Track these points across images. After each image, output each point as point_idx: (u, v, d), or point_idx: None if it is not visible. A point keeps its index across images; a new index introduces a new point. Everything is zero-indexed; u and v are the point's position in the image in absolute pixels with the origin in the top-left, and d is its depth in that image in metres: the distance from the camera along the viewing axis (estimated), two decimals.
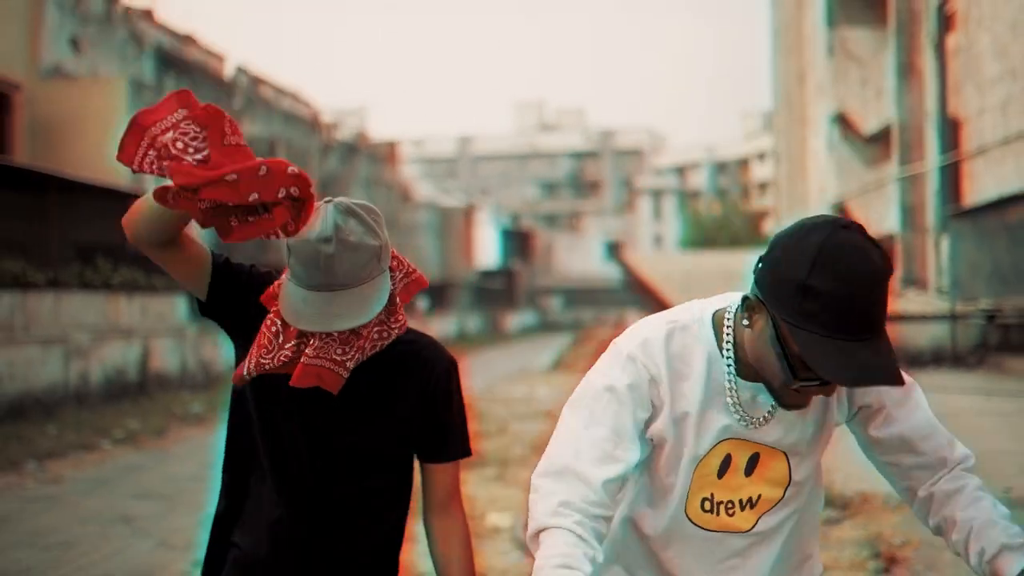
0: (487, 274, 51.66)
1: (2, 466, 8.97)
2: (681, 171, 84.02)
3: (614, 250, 68.09)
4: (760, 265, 1.61)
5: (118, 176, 17.02)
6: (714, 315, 1.74)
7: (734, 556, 1.80)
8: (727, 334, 1.72)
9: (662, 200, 76.71)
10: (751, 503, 1.78)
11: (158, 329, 15.58)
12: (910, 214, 24.25)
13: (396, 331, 1.87)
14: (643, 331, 1.76)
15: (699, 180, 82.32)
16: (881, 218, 26.35)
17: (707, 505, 1.78)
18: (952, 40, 21.71)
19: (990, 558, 1.69)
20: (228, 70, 28.21)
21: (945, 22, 22.23)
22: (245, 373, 1.81)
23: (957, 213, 19.69)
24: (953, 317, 18.76)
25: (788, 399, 1.66)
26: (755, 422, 1.72)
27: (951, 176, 21.94)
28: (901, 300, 21.56)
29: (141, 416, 12.26)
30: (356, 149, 34.40)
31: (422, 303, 36.14)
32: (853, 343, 1.48)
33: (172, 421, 12.23)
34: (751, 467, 1.77)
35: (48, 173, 14.75)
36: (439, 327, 36.61)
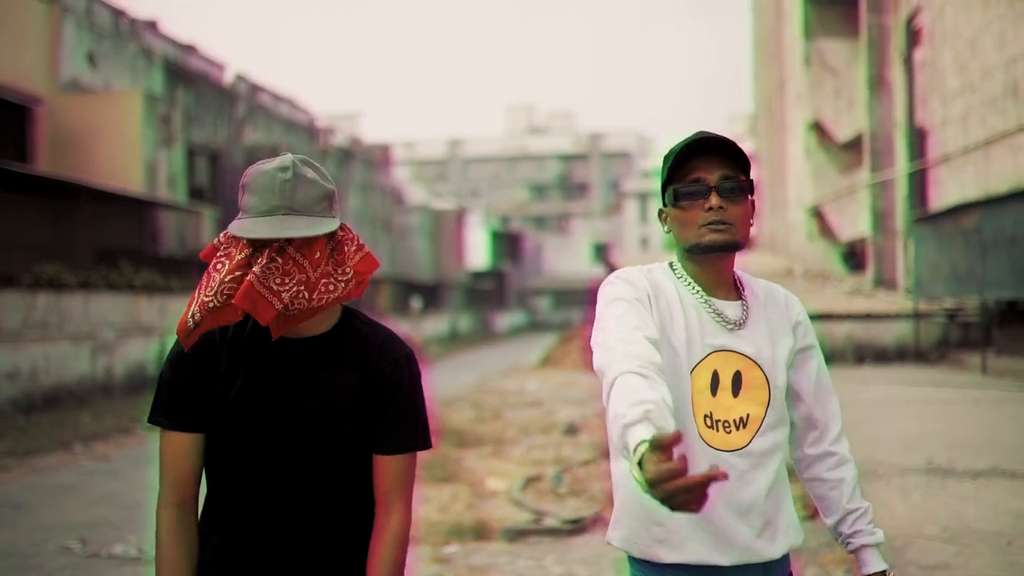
0: (478, 275, 52.65)
1: (54, 447, 10.11)
2: None
3: (601, 251, 69.29)
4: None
5: (134, 184, 18.15)
6: (669, 264, 2.10)
7: (737, 479, 1.95)
8: (677, 267, 2.07)
9: (648, 202, 77.96)
10: (743, 422, 1.98)
11: (175, 327, 16.71)
12: (881, 218, 25.44)
13: (343, 287, 1.86)
14: (624, 271, 2.06)
15: None
16: (854, 222, 27.58)
17: (708, 422, 1.97)
18: (919, 54, 22.91)
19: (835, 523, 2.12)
20: (228, 78, 29.25)
21: (913, 37, 23.44)
22: (189, 319, 1.84)
23: (919, 218, 20.92)
24: (916, 316, 20.00)
25: (705, 236, 1.97)
26: (733, 325, 2.00)
27: (918, 183, 23.15)
28: (871, 300, 22.80)
29: None
30: (351, 154, 35.43)
31: (416, 303, 37.18)
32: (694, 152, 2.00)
33: None
34: (737, 387, 1.98)
35: (76, 182, 15.84)
36: (432, 326, 37.66)
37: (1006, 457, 8.14)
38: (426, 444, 2.00)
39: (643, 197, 77.46)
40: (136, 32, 23.08)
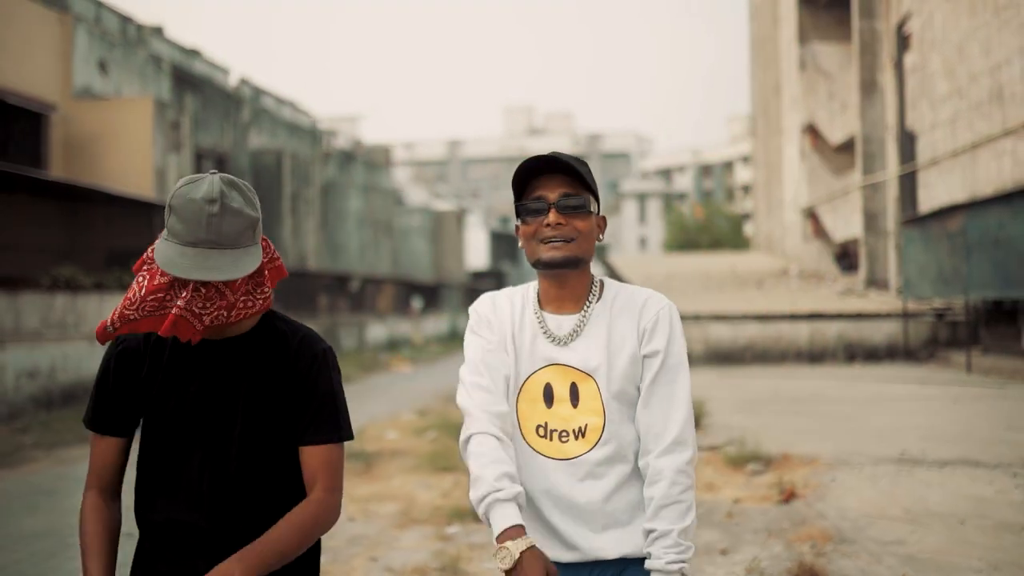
0: (478, 275, 53.19)
1: (76, 440, 10.64)
2: (667, 174, 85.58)
3: (600, 252, 69.64)
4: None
5: (145, 188, 18.68)
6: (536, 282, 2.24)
7: (569, 486, 2.08)
8: (533, 288, 2.22)
9: (647, 203, 78.47)
10: (582, 432, 2.08)
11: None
12: (873, 219, 25.95)
13: (260, 303, 1.98)
14: (480, 299, 2.26)
15: (685, 182, 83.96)
16: (847, 223, 28.10)
17: (541, 431, 2.09)
18: (909, 59, 23.42)
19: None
20: (232, 81, 29.77)
21: (903, 42, 23.94)
22: (109, 325, 1.92)
23: (907, 220, 21.44)
24: (905, 315, 20.52)
25: (543, 252, 2.09)
26: (562, 340, 2.11)
27: (909, 185, 23.65)
28: (863, 300, 23.31)
29: None
30: (353, 156, 35.95)
31: (416, 303, 37.71)
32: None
33: None
34: (575, 398, 2.08)
35: (89, 187, 16.37)
36: (432, 326, 38.18)
37: (974, 448, 8.67)
38: (347, 435, 2.06)
39: (642, 197, 77.95)
40: (143, 38, 23.61)
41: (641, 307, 2.12)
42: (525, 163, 2.09)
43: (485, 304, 2.20)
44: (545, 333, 2.11)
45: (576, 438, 2.06)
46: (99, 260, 17.22)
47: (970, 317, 19.01)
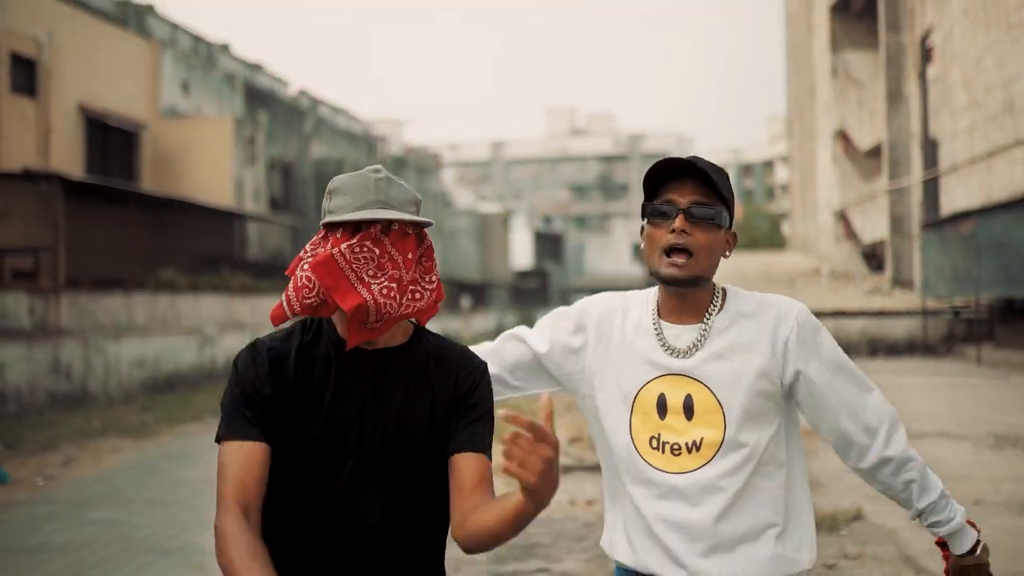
0: (523, 275, 54.81)
1: (188, 419, 12.55)
2: None
3: (640, 251, 70.78)
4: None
5: (225, 198, 20.68)
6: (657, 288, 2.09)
7: (683, 501, 1.94)
8: (653, 296, 2.08)
9: None
10: (696, 446, 1.95)
11: (263, 323, 19.24)
12: (898, 223, 27.28)
13: (429, 294, 1.82)
14: (584, 301, 2.16)
15: None
16: (875, 225, 29.45)
17: (654, 443, 1.97)
18: (932, 71, 24.74)
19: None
20: (292, 92, 31.81)
21: (927, 54, 25.27)
22: (288, 311, 1.79)
23: (926, 225, 22.85)
24: (924, 313, 21.95)
25: (665, 267, 1.95)
26: (682, 351, 1.97)
27: (932, 190, 24.96)
28: (887, 298, 24.74)
29: None
30: (405, 162, 37.89)
31: (465, 302, 39.61)
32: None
33: None
34: (689, 411, 1.95)
35: (178, 199, 18.38)
36: (480, 323, 40.07)
37: (952, 425, 10.27)
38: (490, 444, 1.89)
39: None
40: (213, 55, 25.65)
41: (777, 317, 1.99)
42: (659, 163, 1.98)
43: (573, 310, 2.15)
44: (662, 343, 2.00)
45: (689, 451, 1.96)
46: (185, 264, 19.21)
47: (983, 314, 20.42)
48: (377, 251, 1.76)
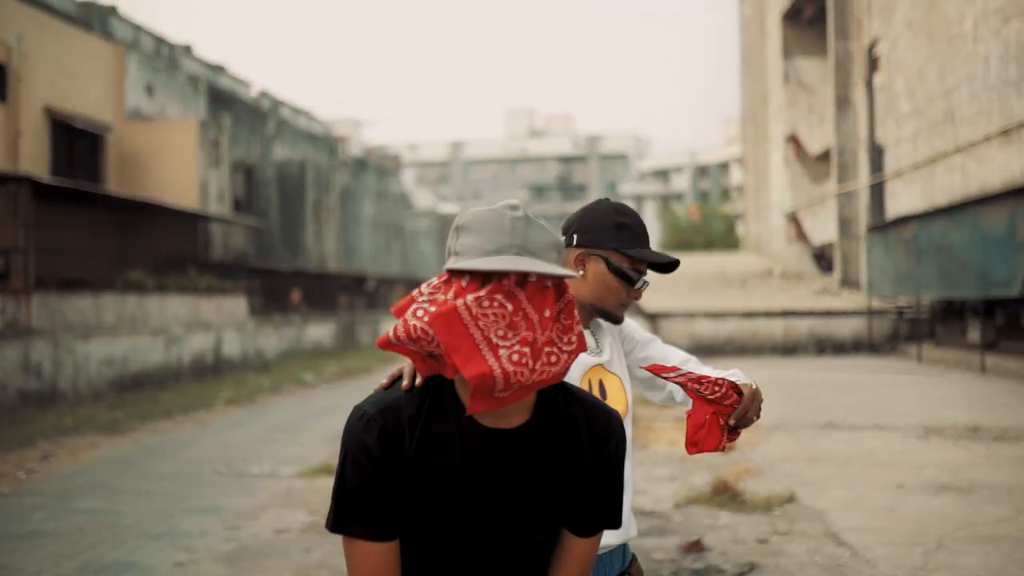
0: None
1: (159, 416, 12.93)
2: (665, 175, 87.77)
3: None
4: (572, 234, 2.22)
5: (190, 199, 20.99)
6: None
7: None
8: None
9: (644, 204, 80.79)
10: None
11: (228, 323, 19.57)
12: (846, 225, 28.22)
13: (565, 358, 1.57)
14: None
15: (682, 183, 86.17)
16: (824, 227, 30.39)
17: None
18: (878, 79, 25.65)
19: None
20: (253, 93, 32.04)
21: (873, 63, 26.19)
22: (393, 338, 1.57)
23: (871, 228, 23.75)
24: (870, 313, 22.82)
25: (619, 312, 2.23)
26: (596, 352, 2.28)
27: (878, 194, 25.91)
28: (835, 298, 25.61)
29: (233, 388, 16.27)
30: (366, 163, 38.25)
31: None
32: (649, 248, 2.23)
33: (254, 392, 16.21)
34: (603, 393, 2.24)
35: (143, 200, 18.68)
36: None
37: (885, 418, 10.98)
38: (614, 521, 1.76)
39: (639, 199, 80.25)
40: (175, 57, 25.89)
41: (619, 328, 2.38)
42: (639, 232, 2.23)
43: None
44: (592, 345, 2.29)
45: None
46: (151, 265, 19.50)
47: (925, 315, 21.31)
48: (510, 307, 1.52)
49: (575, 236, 2.22)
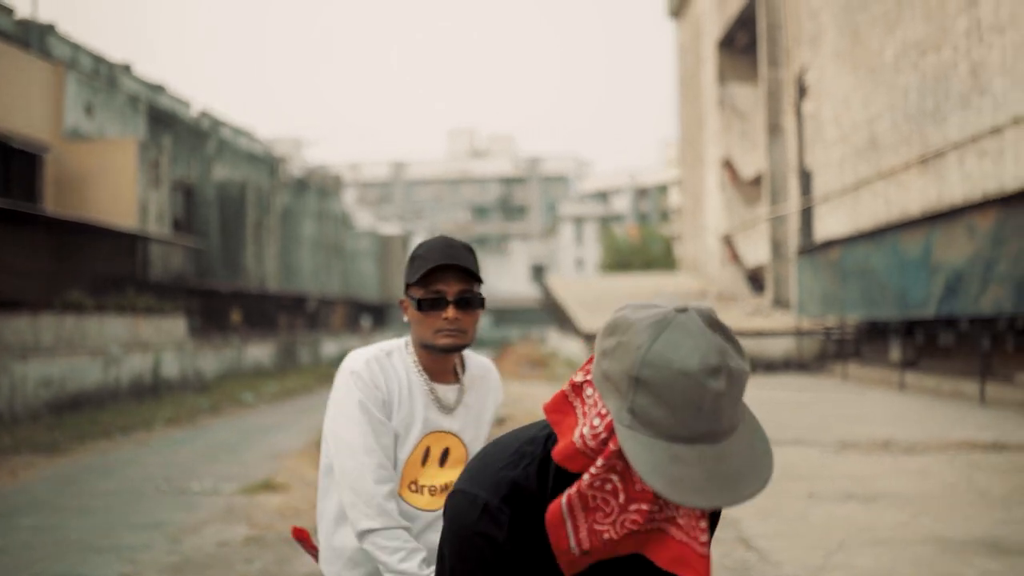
0: None
1: (98, 436, 13.01)
2: (605, 196, 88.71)
3: (539, 272, 72.70)
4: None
5: (129, 220, 21.00)
6: (405, 343, 2.32)
7: (433, 532, 2.23)
8: (410, 349, 2.30)
9: (584, 225, 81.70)
10: (447, 488, 2.26)
11: (167, 344, 19.60)
12: (778, 247, 29.05)
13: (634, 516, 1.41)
14: (366, 366, 2.24)
15: (622, 205, 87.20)
16: (756, 250, 31.22)
17: (413, 487, 2.25)
18: (807, 106, 26.54)
19: None
20: (193, 113, 32.00)
21: (802, 91, 27.09)
22: (574, 547, 1.38)
23: (800, 251, 24.54)
24: (799, 333, 23.57)
25: (438, 340, 2.22)
26: (448, 408, 2.28)
27: (807, 218, 26.75)
28: (767, 319, 26.35)
29: (172, 408, 16.34)
30: (306, 184, 38.34)
31: (365, 321, 40.20)
32: None
33: (194, 412, 16.30)
34: (444, 459, 2.27)
35: (81, 220, 18.68)
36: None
37: (806, 433, 11.51)
38: None
39: (579, 220, 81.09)
40: (115, 76, 25.84)
41: (495, 382, 2.44)
42: (427, 255, 2.22)
43: (377, 375, 2.24)
44: (435, 403, 2.27)
45: (442, 492, 2.26)
46: (90, 285, 19.47)
47: (850, 334, 22.09)
48: (633, 485, 1.34)
49: None
